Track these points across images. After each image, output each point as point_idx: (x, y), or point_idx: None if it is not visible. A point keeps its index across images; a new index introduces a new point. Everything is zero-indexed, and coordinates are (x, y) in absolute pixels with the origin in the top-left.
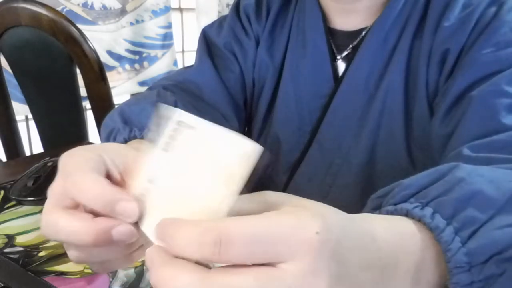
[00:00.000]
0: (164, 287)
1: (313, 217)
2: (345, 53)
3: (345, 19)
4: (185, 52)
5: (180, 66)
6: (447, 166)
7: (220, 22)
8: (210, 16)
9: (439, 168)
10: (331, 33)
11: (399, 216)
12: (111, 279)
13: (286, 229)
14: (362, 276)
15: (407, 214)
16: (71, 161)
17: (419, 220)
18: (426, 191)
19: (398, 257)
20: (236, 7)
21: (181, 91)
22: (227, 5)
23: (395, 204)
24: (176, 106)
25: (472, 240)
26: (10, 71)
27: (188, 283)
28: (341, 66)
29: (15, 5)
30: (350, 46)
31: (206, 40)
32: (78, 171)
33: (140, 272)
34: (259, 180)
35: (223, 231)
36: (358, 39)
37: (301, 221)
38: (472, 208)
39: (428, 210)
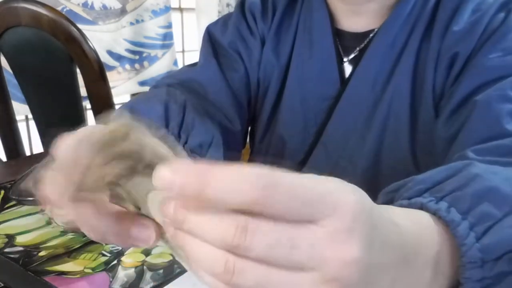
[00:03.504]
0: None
1: (349, 185)
2: (352, 56)
3: (353, 20)
4: (185, 52)
5: (180, 66)
6: (460, 163)
7: (224, 21)
8: (210, 16)
9: (452, 165)
10: (338, 34)
11: (415, 209)
12: (111, 279)
13: (326, 189)
14: (388, 254)
15: (421, 207)
16: None
17: (434, 213)
18: (441, 186)
19: (418, 248)
20: (241, 6)
21: (184, 90)
22: (227, 5)
23: (409, 199)
24: (185, 105)
25: (486, 236)
26: (10, 71)
27: (229, 223)
28: (348, 68)
29: (15, 5)
30: (357, 48)
31: (211, 38)
32: None
33: (140, 272)
34: None
35: (273, 179)
36: (365, 41)
37: (339, 184)
38: (488, 204)
39: (443, 204)
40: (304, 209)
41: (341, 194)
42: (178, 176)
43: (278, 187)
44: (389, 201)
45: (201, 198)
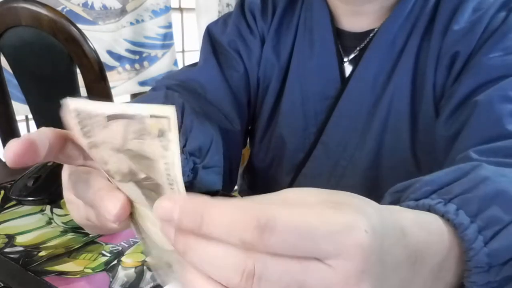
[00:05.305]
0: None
1: (359, 214)
2: (352, 55)
3: (354, 20)
4: (185, 52)
5: (180, 66)
6: (469, 165)
7: (224, 20)
8: (210, 16)
9: (461, 167)
10: (339, 34)
11: (425, 212)
12: (111, 279)
13: (335, 227)
14: (394, 277)
15: (429, 209)
16: None
17: (442, 216)
18: (449, 188)
19: (424, 256)
20: (241, 5)
21: (184, 90)
22: (227, 5)
23: (416, 200)
24: (183, 108)
25: (494, 240)
26: (10, 71)
27: (233, 262)
28: (348, 67)
29: (15, 5)
30: (358, 48)
31: (211, 37)
32: None
33: (140, 272)
34: (262, 181)
35: (270, 216)
36: (366, 41)
37: (349, 218)
38: (496, 207)
39: (452, 207)
40: (311, 249)
41: (351, 234)
42: (175, 210)
43: (275, 228)
44: (395, 201)
45: (199, 234)
